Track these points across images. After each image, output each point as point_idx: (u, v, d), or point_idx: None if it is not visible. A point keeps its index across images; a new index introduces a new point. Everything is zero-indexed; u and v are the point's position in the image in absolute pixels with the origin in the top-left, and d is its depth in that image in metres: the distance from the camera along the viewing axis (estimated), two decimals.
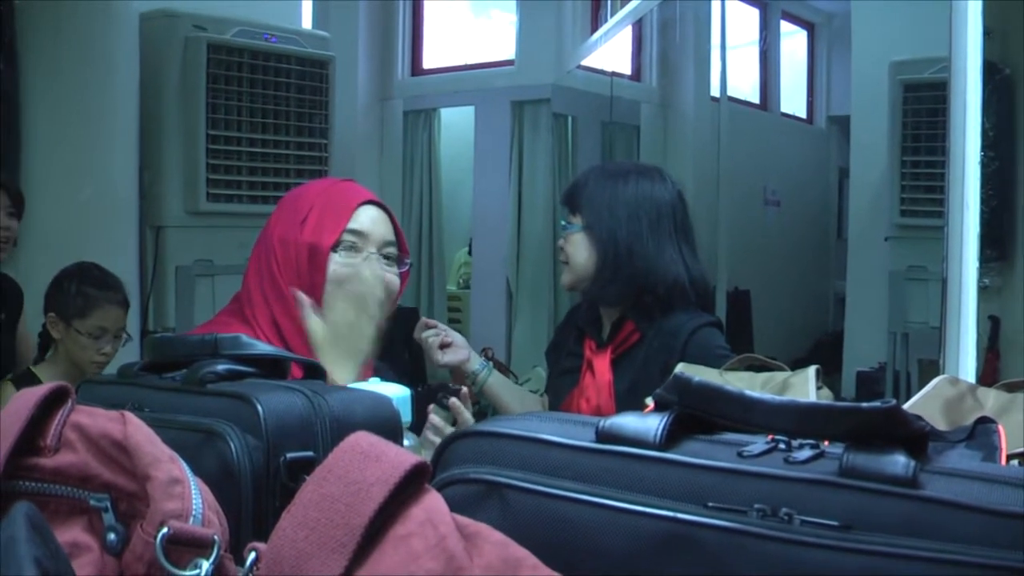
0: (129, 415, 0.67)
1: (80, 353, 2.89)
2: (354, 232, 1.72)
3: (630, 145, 6.45)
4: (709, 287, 2.30)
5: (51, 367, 2.92)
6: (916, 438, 0.59)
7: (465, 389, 1.87)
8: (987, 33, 1.81)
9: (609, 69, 6.05)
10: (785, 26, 8.02)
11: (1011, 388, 1.29)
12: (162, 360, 1.00)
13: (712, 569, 0.57)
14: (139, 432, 0.65)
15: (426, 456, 1.52)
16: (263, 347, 1.01)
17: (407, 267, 1.82)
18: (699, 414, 0.65)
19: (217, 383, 0.92)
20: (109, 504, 0.64)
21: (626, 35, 6.24)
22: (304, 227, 1.71)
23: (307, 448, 0.85)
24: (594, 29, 6.01)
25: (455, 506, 0.58)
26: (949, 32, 1.81)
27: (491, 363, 2.33)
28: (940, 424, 1.16)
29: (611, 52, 5.92)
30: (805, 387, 1.52)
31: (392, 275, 1.78)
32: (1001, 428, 0.80)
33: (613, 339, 2.21)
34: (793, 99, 8.19)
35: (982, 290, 1.80)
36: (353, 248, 1.72)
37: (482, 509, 0.63)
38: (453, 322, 6.33)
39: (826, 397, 1.56)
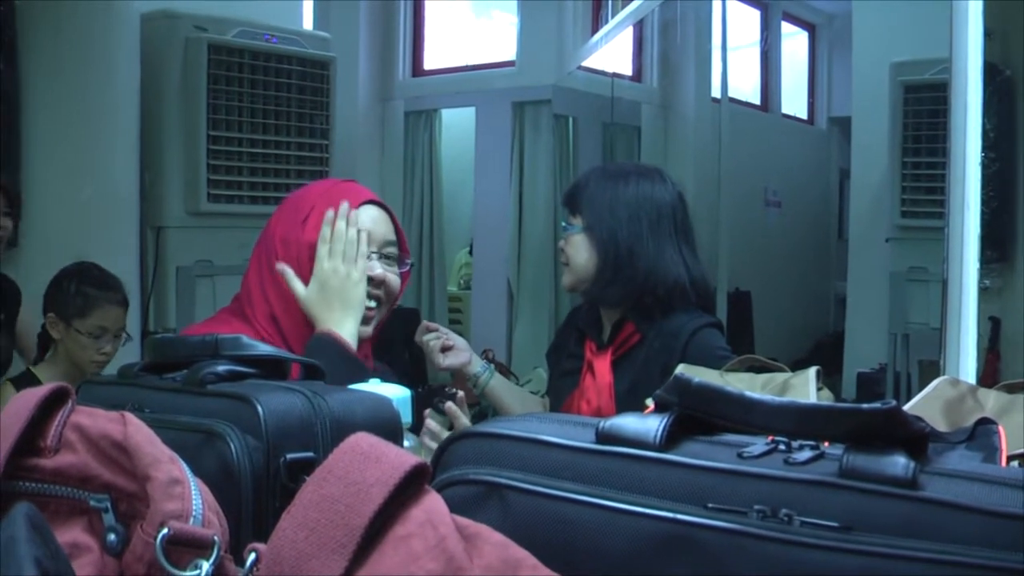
0: (129, 416, 0.67)
1: (80, 353, 2.89)
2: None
3: (631, 146, 6.46)
4: (710, 288, 2.30)
5: (51, 367, 2.92)
6: (916, 439, 0.59)
7: (461, 393, 1.87)
8: (988, 34, 1.81)
9: (610, 70, 6.05)
10: (786, 27, 8.02)
11: (1011, 389, 1.29)
12: (162, 361, 1.00)
13: (712, 570, 0.57)
14: (139, 433, 0.65)
15: (421, 447, 1.52)
16: (263, 348, 1.01)
17: (408, 267, 1.83)
18: (699, 415, 0.65)
19: (217, 384, 0.92)
20: (109, 505, 0.65)
21: (627, 36, 6.24)
22: (305, 226, 1.71)
23: (307, 449, 0.85)
24: (595, 30, 6.01)
25: (455, 507, 0.58)
26: (950, 33, 1.81)
27: (492, 365, 2.34)
28: (940, 425, 1.16)
29: (612, 53, 5.92)
30: (805, 388, 1.52)
31: (393, 275, 1.78)
32: (1001, 429, 0.80)
33: (613, 340, 2.21)
34: (794, 100, 8.19)
35: (982, 291, 1.80)
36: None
37: (482, 510, 0.63)
38: (454, 323, 6.34)
39: (826, 398, 1.56)
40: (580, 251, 2.20)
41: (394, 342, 5.05)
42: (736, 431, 0.64)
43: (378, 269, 1.75)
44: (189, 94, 4.07)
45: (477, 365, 2.26)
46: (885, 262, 5.06)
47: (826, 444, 0.62)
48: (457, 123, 6.58)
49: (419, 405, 1.76)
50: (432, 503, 0.56)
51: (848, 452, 0.58)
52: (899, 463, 0.57)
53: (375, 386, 1.28)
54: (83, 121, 3.79)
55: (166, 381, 0.96)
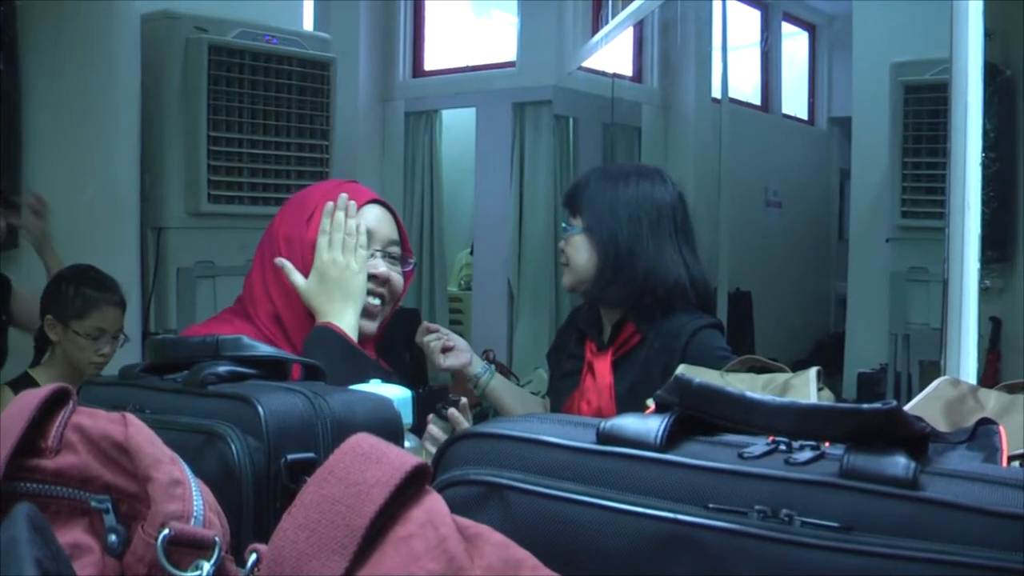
0: (130, 416, 0.67)
1: (78, 354, 2.89)
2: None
3: (631, 147, 6.46)
4: (710, 288, 2.30)
5: (49, 369, 2.92)
6: (917, 439, 0.59)
7: (464, 400, 1.87)
8: (988, 34, 1.81)
9: (610, 70, 6.05)
10: (786, 27, 8.02)
11: (1012, 389, 1.29)
12: (163, 361, 1.00)
13: (713, 570, 0.57)
14: (140, 433, 0.65)
15: (421, 448, 1.52)
16: (264, 348, 1.01)
17: (411, 266, 1.83)
18: (700, 415, 0.65)
19: (218, 384, 0.92)
20: (110, 505, 0.65)
21: (627, 36, 6.24)
22: (309, 225, 1.72)
23: (308, 449, 0.85)
24: (595, 30, 6.01)
25: (456, 507, 0.58)
26: (950, 34, 1.81)
27: (493, 366, 2.34)
28: (941, 425, 1.16)
29: (612, 53, 5.92)
30: (806, 388, 1.52)
31: (396, 274, 1.79)
32: (1002, 429, 0.80)
33: (614, 341, 2.21)
34: (794, 100, 8.19)
35: (983, 291, 1.80)
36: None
37: (483, 510, 0.63)
38: (454, 323, 6.34)
39: (827, 398, 1.56)
40: (580, 252, 2.20)
41: (395, 343, 5.05)
42: (737, 431, 0.64)
43: (382, 267, 1.76)
44: (190, 95, 4.08)
45: (478, 366, 2.26)
46: (885, 262, 5.06)
47: (827, 444, 0.62)
48: (457, 124, 6.58)
49: (420, 406, 1.76)
50: (433, 504, 0.56)
51: (849, 452, 0.58)
52: (900, 463, 0.57)
53: (376, 387, 1.28)
54: (84, 122, 3.79)
55: (167, 382, 0.96)
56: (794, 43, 8.28)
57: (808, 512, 0.56)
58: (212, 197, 4.13)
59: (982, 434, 0.79)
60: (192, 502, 0.62)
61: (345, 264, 1.68)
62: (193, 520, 0.61)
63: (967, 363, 1.76)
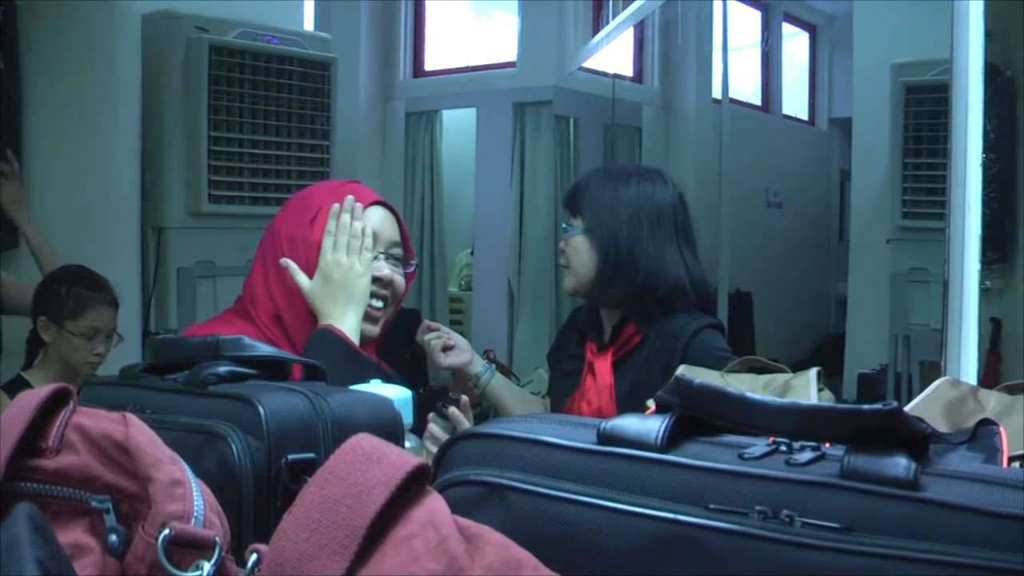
0: (131, 416, 0.67)
1: (73, 354, 2.89)
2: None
3: (632, 147, 6.46)
4: (710, 289, 2.30)
5: (42, 371, 2.91)
6: (917, 440, 0.59)
7: (465, 398, 1.87)
8: (988, 35, 1.81)
9: (611, 71, 6.05)
10: (787, 28, 8.03)
11: (1012, 390, 1.29)
12: (164, 362, 1.00)
13: (713, 571, 0.57)
14: (140, 433, 0.65)
15: (422, 448, 1.52)
16: (265, 348, 1.01)
17: (413, 267, 1.83)
18: (700, 416, 0.65)
19: (218, 384, 0.92)
20: (111, 505, 0.65)
21: (628, 37, 6.24)
22: (313, 226, 1.72)
23: (308, 450, 0.85)
24: (596, 31, 6.01)
25: (456, 508, 0.58)
26: (950, 34, 1.81)
27: (493, 365, 2.34)
28: (941, 426, 1.16)
29: (613, 54, 5.93)
30: (806, 389, 1.52)
31: (399, 275, 1.79)
32: (1002, 430, 0.80)
33: (614, 341, 2.21)
34: (795, 101, 8.20)
35: (983, 292, 1.80)
36: None
37: (483, 511, 0.63)
38: (455, 323, 6.34)
39: (827, 399, 1.56)
40: (580, 252, 2.20)
41: (395, 342, 5.05)
42: (737, 432, 0.64)
43: (386, 270, 1.76)
44: (190, 95, 4.08)
45: (478, 365, 2.26)
46: (886, 263, 5.06)
47: (827, 445, 0.62)
48: (458, 124, 6.58)
49: (420, 406, 1.76)
50: (433, 504, 0.56)
51: (849, 453, 0.58)
52: (900, 464, 0.57)
53: (376, 387, 1.28)
54: (84, 122, 3.79)
55: (167, 382, 0.96)
56: (794, 43, 8.28)
57: (809, 513, 0.56)
58: (213, 197, 4.12)
59: (982, 435, 0.79)
60: (193, 502, 0.62)
61: (349, 266, 1.69)
62: (194, 520, 0.61)
63: (967, 364, 1.76)
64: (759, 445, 0.62)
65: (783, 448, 0.62)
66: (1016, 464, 0.90)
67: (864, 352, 5.45)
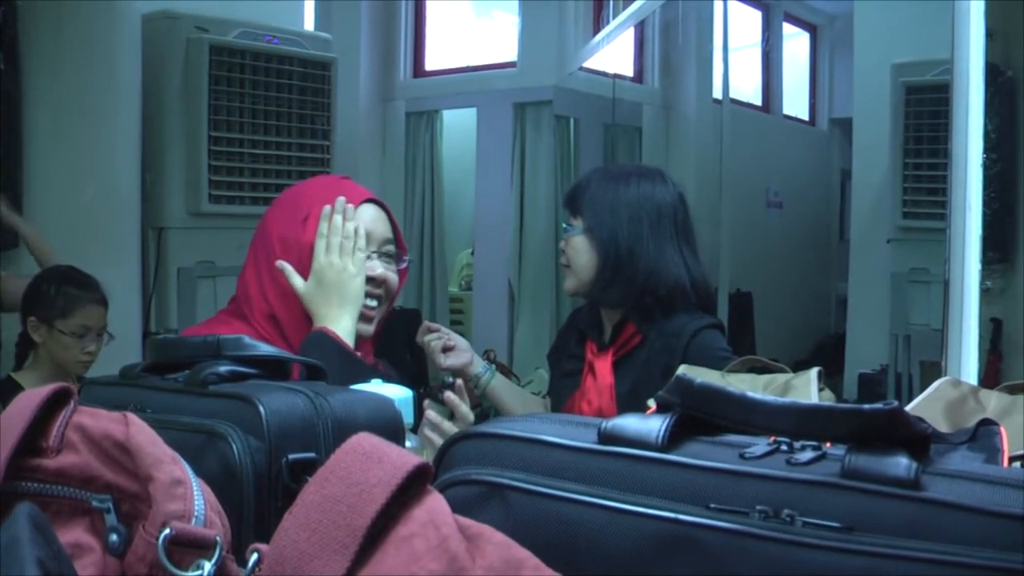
0: (131, 416, 0.67)
1: (64, 353, 2.89)
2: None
3: (632, 147, 6.46)
4: (710, 289, 2.30)
5: (33, 372, 2.91)
6: (918, 440, 0.59)
7: (460, 382, 1.85)
8: (989, 35, 1.81)
9: (611, 71, 6.05)
10: (787, 28, 8.02)
11: (1013, 390, 1.29)
12: (164, 361, 1.00)
13: (714, 570, 0.57)
14: (141, 433, 0.65)
15: (427, 454, 1.52)
16: (265, 348, 1.01)
17: (406, 264, 1.82)
18: (701, 416, 0.65)
19: (219, 384, 0.92)
20: (111, 505, 0.65)
21: (628, 37, 6.24)
22: (305, 226, 1.71)
23: (309, 449, 0.85)
24: (596, 31, 6.01)
25: (457, 507, 0.58)
26: (951, 34, 1.81)
27: (494, 366, 2.34)
28: (942, 426, 1.16)
29: (613, 54, 5.93)
30: (807, 389, 1.52)
31: (392, 273, 1.78)
32: (1003, 430, 0.80)
33: (614, 341, 2.21)
34: (795, 101, 8.20)
35: (984, 292, 1.80)
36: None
37: (484, 510, 0.63)
38: (455, 323, 6.34)
39: (828, 399, 1.56)
40: (581, 252, 2.20)
41: (396, 343, 5.05)
42: (738, 432, 0.64)
43: (379, 269, 1.76)
44: (190, 95, 4.08)
45: (478, 366, 2.26)
46: (886, 263, 5.06)
47: (828, 445, 0.62)
48: (458, 124, 6.58)
49: (421, 406, 1.76)
50: (434, 503, 0.56)
51: (850, 453, 0.58)
52: (901, 464, 0.57)
53: (377, 386, 1.28)
54: (84, 122, 3.79)
55: (168, 382, 0.96)
56: (795, 43, 8.28)
57: (810, 512, 0.56)
58: (213, 197, 4.13)
59: (983, 435, 0.79)
60: (193, 502, 0.62)
61: (342, 267, 1.68)
62: (194, 520, 0.61)
63: (968, 364, 1.76)
64: (760, 445, 0.62)
65: (784, 448, 0.62)
66: (1017, 464, 0.90)
67: (865, 352, 5.45)
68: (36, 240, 3.30)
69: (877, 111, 5.15)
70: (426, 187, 6.52)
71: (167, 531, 0.60)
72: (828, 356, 6.04)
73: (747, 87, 7.55)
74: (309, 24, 5.57)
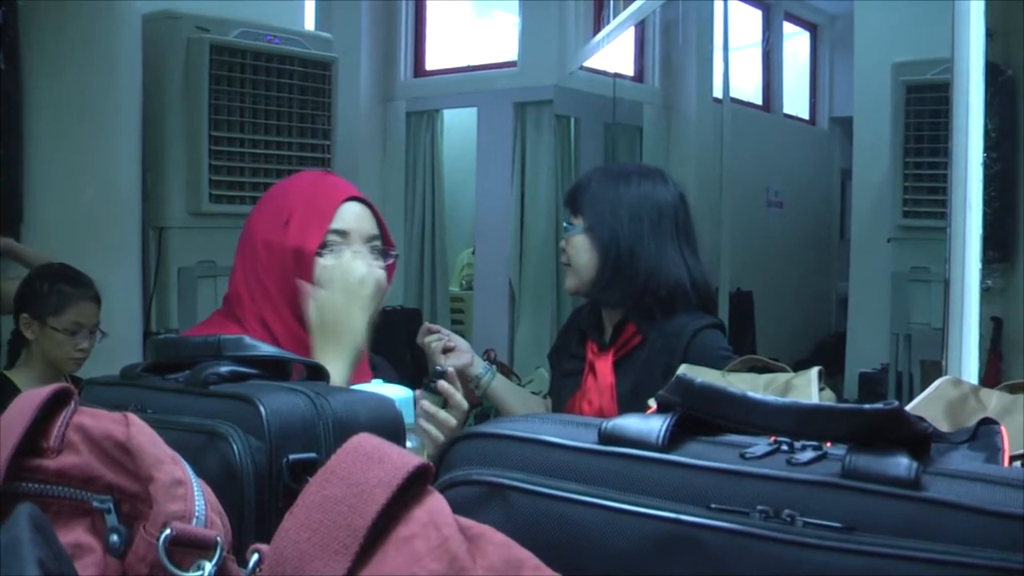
0: (132, 416, 0.67)
1: (56, 351, 2.88)
2: (338, 232, 1.70)
3: (633, 146, 6.46)
4: (711, 289, 2.30)
5: (26, 370, 2.91)
6: (919, 439, 0.59)
7: (451, 369, 1.82)
8: (989, 34, 1.81)
9: (612, 70, 6.05)
10: (788, 27, 8.02)
11: (1014, 389, 1.29)
12: (165, 361, 1.00)
13: (714, 570, 0.57)
14: (142, 433, 0.65)
15: (426, 448, 1.50)
16: (266, 348, 1.01)
17: (393, 259, 1.80)
18: (701, 416, 0.65)
19: (220, 384, 0.92)
20: (112, 505, 0.65)
21: (629, 36, 6.24)
22: (287, 229, 1.68)
23: (310, 449, 0.85)
24: (597, 30, 6.01)
25: (458, 508, 0.58)
26: (951, 33, 1.81)
27: (494, 366, 2.34)
28: (943, 425, 1.16)
29: (614, 53, 5.92)
30: (808, 388, 1.52)
31: (379, 269, 1.76)
32: (1004, 429, 0.80)
33: (615, 341, 2.21)
34: (796, 100, 8.20)
35: (984, 291, 1.80)
36: (338, 248, 1.70)
37: (485, 511, 0.63)
38: (456, 323, 6.34)
39: (828, 398, 1.56)
40: (581, 251, 2.20)
41: (396, 343, 5.05)
42: (738, 432, 0.64)
43: (363, 269, 1.73)
44: (191, 95, 4.08)
45: (479, 366, 2.26)
46: (887, 262, 5.06)
47: (828, 445, 0.62)
48: (459, 123, 6.58)
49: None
50: (435, 504, 0.56)
51: (851, 452, 0.58)
52: (902, 463, 0.57)
53: (377, 387, 1.28)
54: (85, 121, 3.79)
55: (169, 382, 0.96)
56: (795, 43, 8.28)
57: (810, 512, 0.56)
58: (213, 197, 4.12)
59: (984, 434, 0.79)
60: (194, 502, 0.62)
61: (347, 313, 1.64)
62: (195, 520, 0.61)
63: (969, 363, 1.76)
64: (760, 445, 0.62)
65: (784, 448, 0.62)
66: (1017, 463, 0.90)
67: (865, 351, 5.45)
68: (33, 257, 3.29)
69: (877, 110, 5.15)
70: (427, 187, 6.52)
71: (168, 531, 0.60)
72: (829, 355, 6.04)
73: (748, 86, 7.55)
74: (310, 24, 5.57)
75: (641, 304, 2.16)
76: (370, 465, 0.56)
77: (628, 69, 6.60)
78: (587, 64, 5.92)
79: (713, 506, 0.59)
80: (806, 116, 8.41)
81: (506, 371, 5.19)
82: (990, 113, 1.90)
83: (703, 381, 0.65)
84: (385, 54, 6.59)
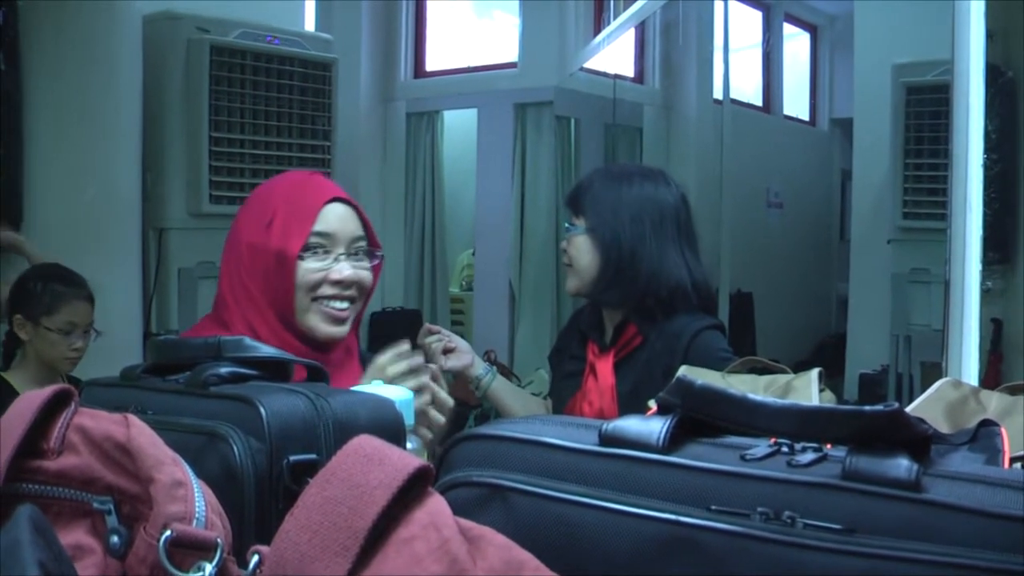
0: (132, 417, 0.67)
1: (50, 351, 2.88)
2: (321, 235, 1.69)
3: (633, 147, 6.46)
4: (711, 290, 2.30)
5: (21, 370, 2.90)
6: (919, 441, 0.59)
7: (435, 367, 1.79)
8: (990, 35, 1.81)
9: (612, 71, 6.05)
10: (788, 28, 8.03)
11: (1014, 391, 1.29)
12: (165, 362, 1.00)
13: (715, 572, 0.57)
14: (142, 435, 0.65)
15: (424, 449, 1.48)
16: (266, 349, 1.01)
17: (379, 259, 1.79)
18: (702, 417, 0.65)
19: (220, 385, 0.92)
20: (112, 507, 0.65)
21: (629, 37, 6.24)
22: (270, 232, 1.68)
23: (310, 451, 0.85)
24: (597, 31, 6.02)
25: (458, 509, 0.58)
26: (952, 34, 1.81)
27: (495, 367, 2.34)
28: (943, 427, 1.16)
29: (614, 54, 5.92)
30: (808, 390, 1.52)
31: (364, 271, 1.75)
32: (1004, 431, 0.80)
33: (615, 342, 2.21)
34: (796, 101, 8.20)
35: (985, 293, 1.80)
36: (321, 250, 1.69)
37: (485, 512, 0.63)
38: (456, 324, 6.34)
39: (828, 399, 1.56)
40: (583, 252, 2.20)
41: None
42: (739, 433, 0.64)
43: (347, 271, 1.70)
44: (191, 95, 4.08)
45: (479, 367, 2.26)
46: (887, 263, 5.06)
47: (829, 446, 0.62)
48: (459, 124, 6.58)
49: None
50: (435, 505, 0.56)
51: (851, 454, 0.58)
52: (902, 465, 0.57)
53: (378, 388, 1.28)
54: (85, 122, 3.79)
55: (169, 383, 0.96)
56: (795, 44, 8.28)
57: (810, 514, 0.56)
58: (214, 198, 4.12)
59: (984, 436, 0.79)
60: (194, 503, 0.62)
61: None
62: (195, 521, 0.61)
63: (969, 364, 1.76)
64: (761, 446, 0.62)
65: (785, 449, 0.62)
66: (1017, 465, 0.90)
67: (865, 353, 5.45)
68: (35, 253, 3.30)
69: (878, 111, 5.15)
70: (427, 188, 6.52)
71: (168, 533, 0.60)
72: (829, 357, 6.05)
73: (748, 87, 7.55)
74: (310, 25, 5.57)
75: (642, 305, 2.16)
76: (370, 467, 0.56)
77: (628, 70, 6.60)
78: (587, 65, 5.92)
79: (713, 508, 0.59)
80: (806, 117, 8.42)
81: (506, 372, 5.18)
82: (990, 114, 1.90)
83: (703, 383, 0.65)
84: (385, 55, 6.59)
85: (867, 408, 0.59)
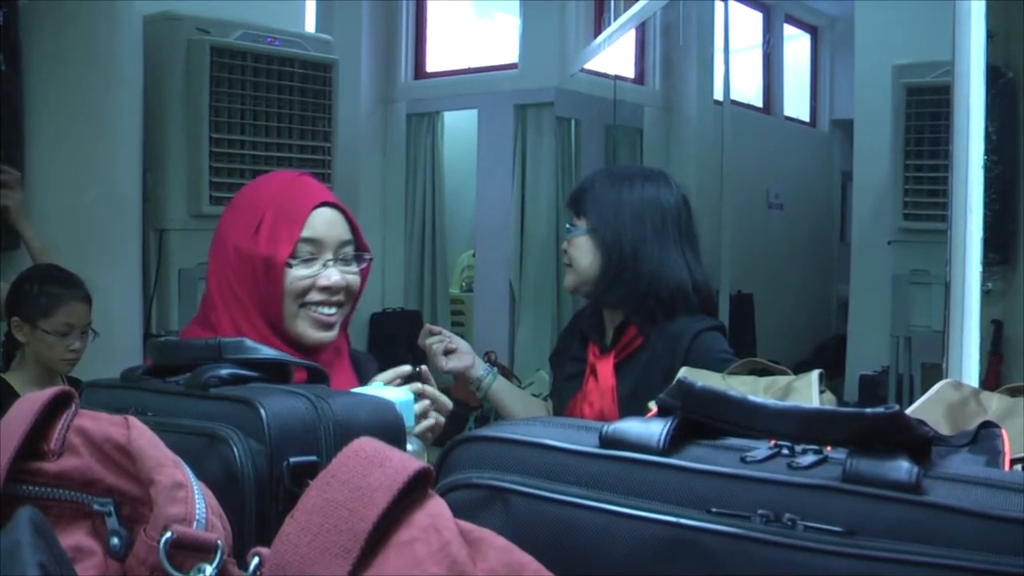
0: (132, 419, 0.67)
1: (48, 352, 2.88)
2: (309, 240, 1.68)
3: (633, 148, 6.46)
4: (712, 291, 2.30)
5: (20, 372, 2.90)
6: (919, 443, 0.59)
7: (424, 368, 1.79)
8: (990, 36, 1.81)
9: (612, 72, 6.05)
10: (788, 29, 8.03)
11: (1014, 392, 1.29)
12: (165, 364, 1.00)
13: (715, 574, 0.57)
14: (142, 436, 0.65)
15: (424, 451, 1.48)
16: (267, 351, 1.01)
17: (367, 263, 1.78)
18: (702, 419, 0.65)
19: (220, 387, 0.92)
20: (112, 508, 0.65)
21: (629, 39, 6.24)
22: (258, 237, 1.66)
23: (310, 453, 0.85)
24: (597, 32, 6.02)
25: (458, 511, 0.58)
26: (952, 36, 1.81)
27: (495, 368, 2.33)
28: (943, 428, 1.16)
29: (614, 55, 5.92)
30: (808, 391, 1.52)
31: (352, 275, 1.74)
32: (1004, 432, 0.80)
33: (616, 344, 2.21)
34: (796, 103, 8.20)
35: (985, 294, 1.80)
36: (309, 257, 1.68)
37: (485, 514, 0.63)
38: (456, 325, 6.34)
39: (829, 401, 1.56)
40: (584, 253, 2.20)
41: (396, 345, 5.05)
42: (739, 435, 0.64)
43: (335, 277, 1.68)
44: (192, 96, 4.08)
45: (480, 368, 2.26)
46: (887, 265, 5.06)
47: (829, 448, 0.62)
48: (459, 125, 6.58)
49: None
50: (436, 507, 0.56)
51: (851, 456, 0.58)
52: (902, 467, 0.57)
53: (378, 389, 1.28)
54: (86, 123, 3.79)
55: (169, 384, 0.96)
56: (796, 45, 8.28)
57: (811, 516, 0.56)
58: (214, 199, 4.13)
59: (984, 437, 0.79)
60: (194, 505, 0.62)
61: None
62: (195, 523, 0.61)
63: (969, 366, 1.76)
64: (761, 448, 0.62)
65: (785, 451, 0.62)
66: (1018, 467, 0.90)
67: (866, 354, 5.45)
68: (38, 248, 3.30)
69: (878, 113, 5.15)
70: (427, 189, 6.52)
71: (168, 534, 0.60)
72: (829, 358, 6.05)
73: (748, 89, 7.55)
74: (310, 26, 5.58)
75: (642, 306, 2.16)
76: (371, 469, 0.56)
77: (629, 71, 6.60)
78: (588, 66, 5.93)
79: (714, 510, 0.59)
80: (807, 118, 8.42)
81: (506, 373, 5.18)
82: (991, 115, 1.89)
83: (704, 385, 0.65)
84: (386, 56, 6.59)
85: (867, 410, 0.59)
